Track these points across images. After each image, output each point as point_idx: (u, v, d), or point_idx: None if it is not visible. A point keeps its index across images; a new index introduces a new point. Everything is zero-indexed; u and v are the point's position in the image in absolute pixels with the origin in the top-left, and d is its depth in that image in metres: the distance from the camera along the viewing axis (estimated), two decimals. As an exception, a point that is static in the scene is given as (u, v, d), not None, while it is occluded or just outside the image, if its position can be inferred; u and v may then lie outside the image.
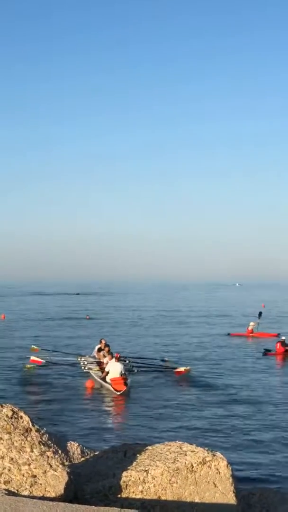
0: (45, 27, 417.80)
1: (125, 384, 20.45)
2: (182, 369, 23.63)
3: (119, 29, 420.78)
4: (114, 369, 20.97)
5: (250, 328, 40.42)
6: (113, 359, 21.82)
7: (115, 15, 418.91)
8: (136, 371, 23.78)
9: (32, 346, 29.37)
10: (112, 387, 20.32)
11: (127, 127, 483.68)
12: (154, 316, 60.63)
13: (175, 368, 24.07)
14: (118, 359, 22.05)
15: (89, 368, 23.40)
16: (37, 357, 25.10)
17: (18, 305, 79.22)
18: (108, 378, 20.83)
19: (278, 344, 30.51)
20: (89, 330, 41.73)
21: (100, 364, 23.19)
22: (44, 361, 24.66)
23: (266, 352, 30.69)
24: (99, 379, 21.47)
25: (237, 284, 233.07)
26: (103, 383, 21.02)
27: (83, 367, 23.88)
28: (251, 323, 41.04)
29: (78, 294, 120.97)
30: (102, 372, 21.73)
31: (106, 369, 21.27)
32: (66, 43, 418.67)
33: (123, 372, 21.07)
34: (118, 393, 19.93)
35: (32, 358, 24.75)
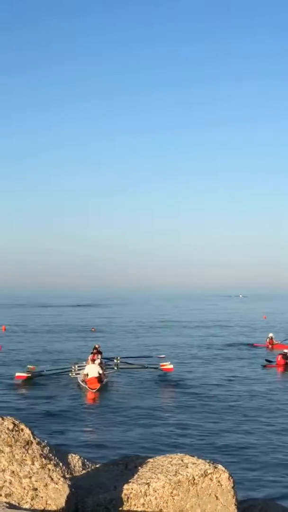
0: (46, 53, 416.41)
1: (100, 382, 22.94)
2: (167, 365, 26.44)
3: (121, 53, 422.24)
4: (91, 370, 23.54)
5: (269, 339, 40.71)
6: (90, 362, 24.80)
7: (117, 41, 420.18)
8: (116, 368, 26.61)
9: (28, 366, 27.14)
10: (88, 386, 22.74)
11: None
12: (162, 327, 60.58)
13: (160, 364, 26.66)
14: (94, 361, 24.70)
15: (77, 374, 25.07)
16: (24, 372, 25.21)
17: (19, 316, 79.10)
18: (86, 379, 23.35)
19: (280, 356, 30.50)
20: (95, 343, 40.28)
21: None
22: (30, 375, 24.81)
23: (267, 364, 30.71)
24: (80, 382, 23.77)
25: (240, 295, 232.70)
26: (82, 384, 23.39)
27: (71, 374, 25.31)
28: (270, 334, 41.31)
29: (78, 305, 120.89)
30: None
31: (85, 372, 23.87)
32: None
33: (100, 372, 23.48)
34: (93, 390, 22.30)
35: (18, 374, 24.80)
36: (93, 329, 55.38)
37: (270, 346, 39.85)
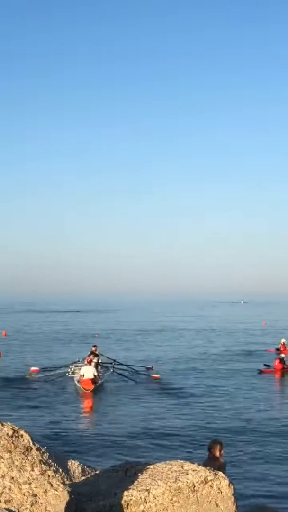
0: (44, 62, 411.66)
1: (93, 383, 24.08)
2: (155, 375, 27.68)
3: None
4: (86, 372, 24.74)
5: (282, 344, 40.72)
6: (86, 363, 25.82)
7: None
8: (112, 371, 27.76)
9: (31, 368, 29.20)
10: (82, 386, 23.92)
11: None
12: (163, 333, 60.53)
13: (149, 372, 28.45)
14: (90, 363, 25.60)
15: (73, 373, 26.70)
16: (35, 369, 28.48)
17: (19, 322, 79.02)
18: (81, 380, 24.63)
19: (277, 361, 30.66)
20: (103, 350, 38.49)
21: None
22: (38, 375, 27.52)
23: (264, 369, 30.80)
24: (75, 381, 25.01)
25: (241, 301, 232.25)
26: (77, 384, 24.55)
27: (68, 373, 26.96)
28: (283, 340, 41.32)
29: (78, 311, 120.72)
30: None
31: (81, 373, 25.01)
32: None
33: (95, 374, 24.59)
34: (86, 391, 23.47)
35: (32, 368, 28.25)
36: (96, 335, 55.22)
37: (283, 350, 39.79)
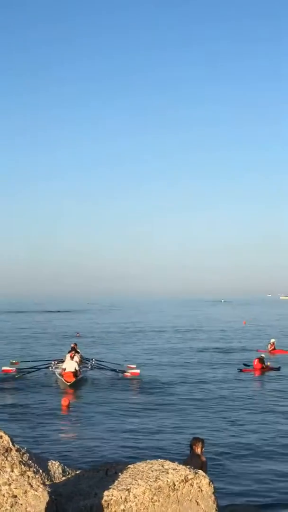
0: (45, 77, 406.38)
1: (75, 376, 25.16)
2: (134, 368, 28.04)
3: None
4: (68, 365, 26.08)
5: (271, 344, 41.06)
6: (69, 358, 27.27)
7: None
8: (90, 368, 28.66)
9: (11, 360, 30.21)
10: (64, 379, 25.04)
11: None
12: (142, 332, 60.61)
13: (124, 371, 27.91)
14: (73, 358, 27.18)
15: (56, 368, 27.86)
16: (10, 367, 28.17)
17: (1, 323, 78.46)
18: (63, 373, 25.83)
19: (256, 361, 31.03)
20: (84, 349, 36.06)
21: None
22: (15, 368, 27.92)
23: (244, 368, 31.04)
24: (58, 375, 26.29)
25: (222, 300, 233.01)
26: (59, 377, 25.75)
27: (51, 368, 28.13)
28: (272, 340, 41.69)
29: (58, 311, 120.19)
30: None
31: (63, 366, 26.47)
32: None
33: (76, 368, 25.86)
34: (68, 383, 24.55)
35: (4, 368, 27.65)
36: (77, 334, 54.96)
37: (272, 351, 40.08)
